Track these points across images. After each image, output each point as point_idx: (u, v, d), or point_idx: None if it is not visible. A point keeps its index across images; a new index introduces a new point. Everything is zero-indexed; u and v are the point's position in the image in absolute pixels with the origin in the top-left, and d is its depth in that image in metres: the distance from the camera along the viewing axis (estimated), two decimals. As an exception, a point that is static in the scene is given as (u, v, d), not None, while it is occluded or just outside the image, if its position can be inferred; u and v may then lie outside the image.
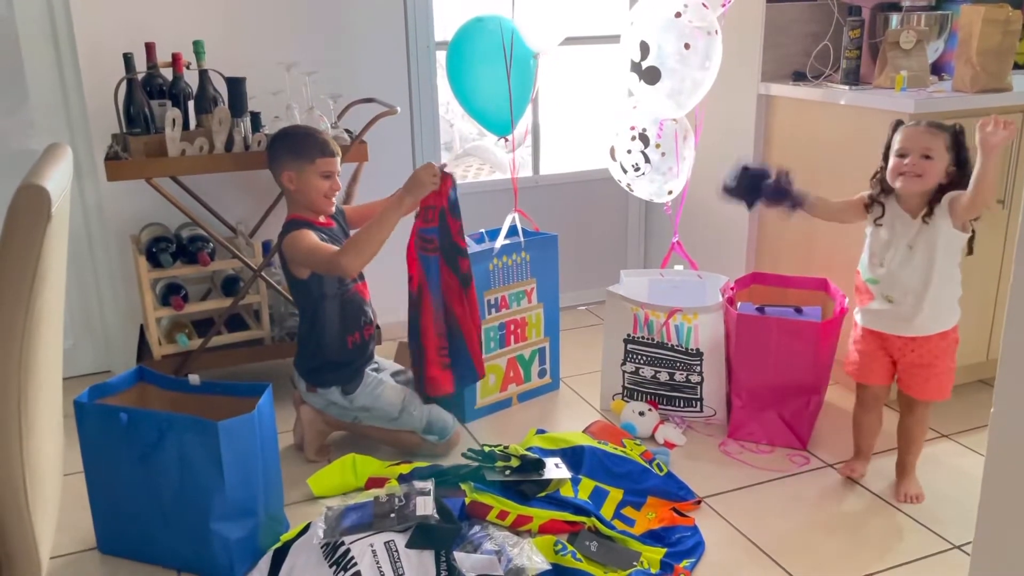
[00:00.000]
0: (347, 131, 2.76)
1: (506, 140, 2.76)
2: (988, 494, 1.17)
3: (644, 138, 2.62)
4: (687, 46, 2.41)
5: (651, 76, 2.47)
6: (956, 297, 2.13)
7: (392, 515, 1.92)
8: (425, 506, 1.93)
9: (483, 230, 2.83)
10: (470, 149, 4.94)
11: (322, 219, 2.41)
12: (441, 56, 3.19)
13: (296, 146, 2.36)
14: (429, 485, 2.03)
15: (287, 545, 1.96)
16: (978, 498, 1.19)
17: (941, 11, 2.77)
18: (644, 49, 2.45)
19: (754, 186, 2.24)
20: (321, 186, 2.36)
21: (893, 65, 2.68)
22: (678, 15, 2.40)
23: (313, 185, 2.36)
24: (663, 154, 2.62)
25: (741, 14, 2.89)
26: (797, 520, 2.16)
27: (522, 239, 2.73)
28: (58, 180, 1.27)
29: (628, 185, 2.74)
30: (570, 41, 2.70)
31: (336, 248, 2.28)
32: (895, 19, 2.75)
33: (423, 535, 1.89)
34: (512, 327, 2.76)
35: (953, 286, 2.11)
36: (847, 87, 2.74)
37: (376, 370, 2.49)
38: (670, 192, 2.71)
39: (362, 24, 3.06)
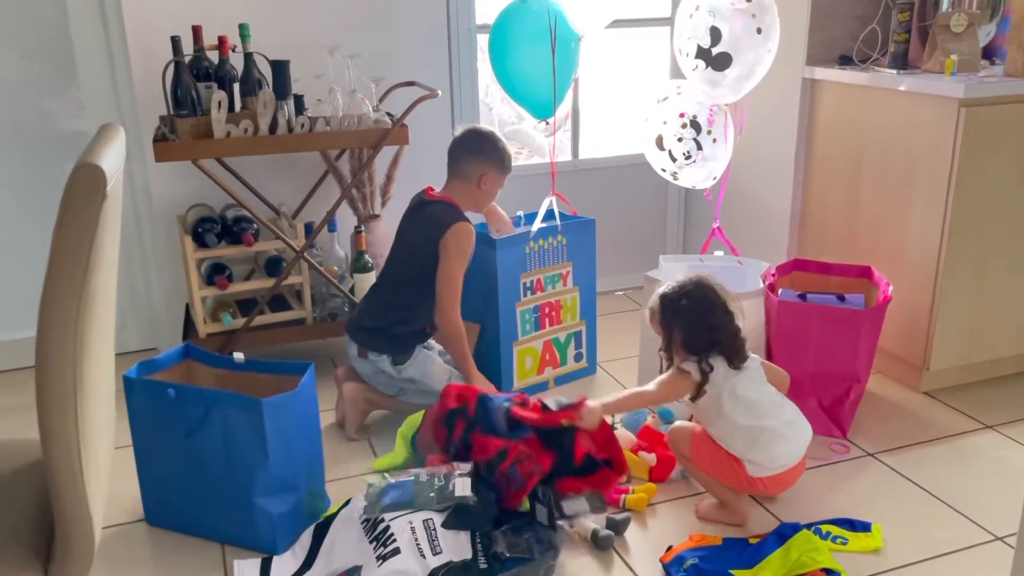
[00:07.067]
0: (388, 114, 2.78)
1: (547, 123, 2.76)
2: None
3: (696, 125, 2.60)
4: (759, 31, 2.39)
5: (721, 62, 2.44)
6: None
7: (431, 494, 1.94)
8: (464, 487, 1.94)
9: (521, 212, 2.84)
10: (509, 133, 4.96)
11: None
12: (482, 39, 3.19)
13: (505, 158, 2.52)
14: (469, 466, 2.04)
15: (328, 520, 2.00)
16: (1022, 489, 1.17)
17: (994, -7, 2.71)
18: (715, 35, 2.43)
19: None
20: (496, 194, 2.57)
21: (943, 49, 2.62)
22: None
23: (494, 193, 2.55)
24: (715, 140, 2.60)
25: (787, -3, 2.85)
26: (837, 509, 2.14)
27: (559, 222, 2.74)
28: (112, 159, 1.29)
29: (674, 175, 2.71)
30: (612, 24, 2.68)
31: (456, 309, 2.42)
32: (946, 2, 2.69)
33: (459, 516, 1.91)
34: (547, 310, 2.77)
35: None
36: (895, 71, 2.69)
37: (426, 348, 2.53)
38: (714, 178, 2.69)
39: (404, 8, 3.06)
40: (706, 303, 2.04)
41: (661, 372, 2.47)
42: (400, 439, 2.25)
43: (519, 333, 2.71)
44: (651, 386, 2.07)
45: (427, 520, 1.89)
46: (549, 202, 2.73)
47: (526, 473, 1.94)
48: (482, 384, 2.49)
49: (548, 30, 2.55)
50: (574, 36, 2.64)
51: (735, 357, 2.03)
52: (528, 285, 2.71)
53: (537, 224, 2.70)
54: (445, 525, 1.89)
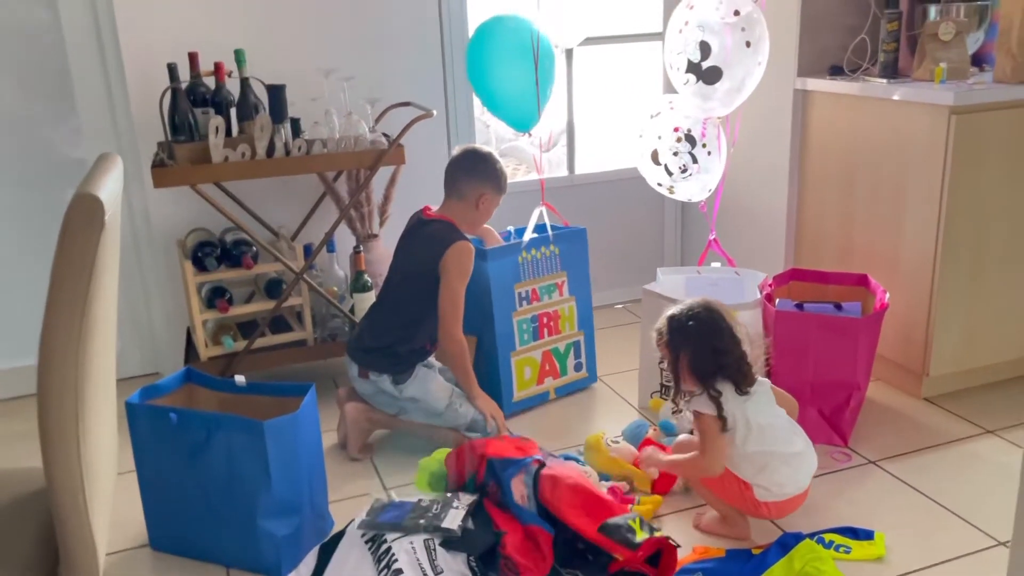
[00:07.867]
0: (385, 135, 2.80)
1: (528, 135, 2.79)
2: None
3: (691, 138, 2.62)
4: (748, 44, 2.42)
5: (712, 76, 2.47)
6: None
7: (421, 521, 1.94)
8: (453, 520, 1.94)
9: (510, 228, 2.86)
10: (506, 150, 4.97)
11: None
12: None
13: (502, 179, 2.56)
14: (471, 498, 2.03)
15: (333, 542, 2.00)
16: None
17: (981, 2, 2.73)
18: (705, 49, 2.45)
19: None
20: (492, 214, 2.61)
21: (932, 57, 2.64)
22: (737, 13, 2.40)
23: (491, 212, 2.59)
24: (709, 153, 2.62)
25: (777, 8, 2.88)
26: (839, 517, 2.14)
27: (550, 233, 2.76)
28: (111, 189, 1.31)
29: (670, 189, 2.73)
30: (592, 41, 2.71)
31: (459, 327, 2.44)
32: (933, 11, 2.71)
33: (457, 538, 1.92)
34: (545, 320, 2.78)
35: None
36: (885, 81, 2.71)
37: (427, 366, 2.54)
38: (709, 190, 2.71)
39: (397, 29, 3.09)
40: (713, 326, 2.03)
41: (662, 392, 2.49)
42: (421, 471, 2.25)
43: (516, 343, 2.72)
44: (694, 454, 2.04)
45: (427, 540, 1.90)
46: (539, 213, 2.76)
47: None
48: (484, 402, 2.50)
49: (523, 44, 2.58)
50: (551, 49, 2.66)
51: (742, 382, 2.02)
52: (523, 295, 2.72)
53: (528, 234, 2.72)
54: (443, 545, 1.89)
